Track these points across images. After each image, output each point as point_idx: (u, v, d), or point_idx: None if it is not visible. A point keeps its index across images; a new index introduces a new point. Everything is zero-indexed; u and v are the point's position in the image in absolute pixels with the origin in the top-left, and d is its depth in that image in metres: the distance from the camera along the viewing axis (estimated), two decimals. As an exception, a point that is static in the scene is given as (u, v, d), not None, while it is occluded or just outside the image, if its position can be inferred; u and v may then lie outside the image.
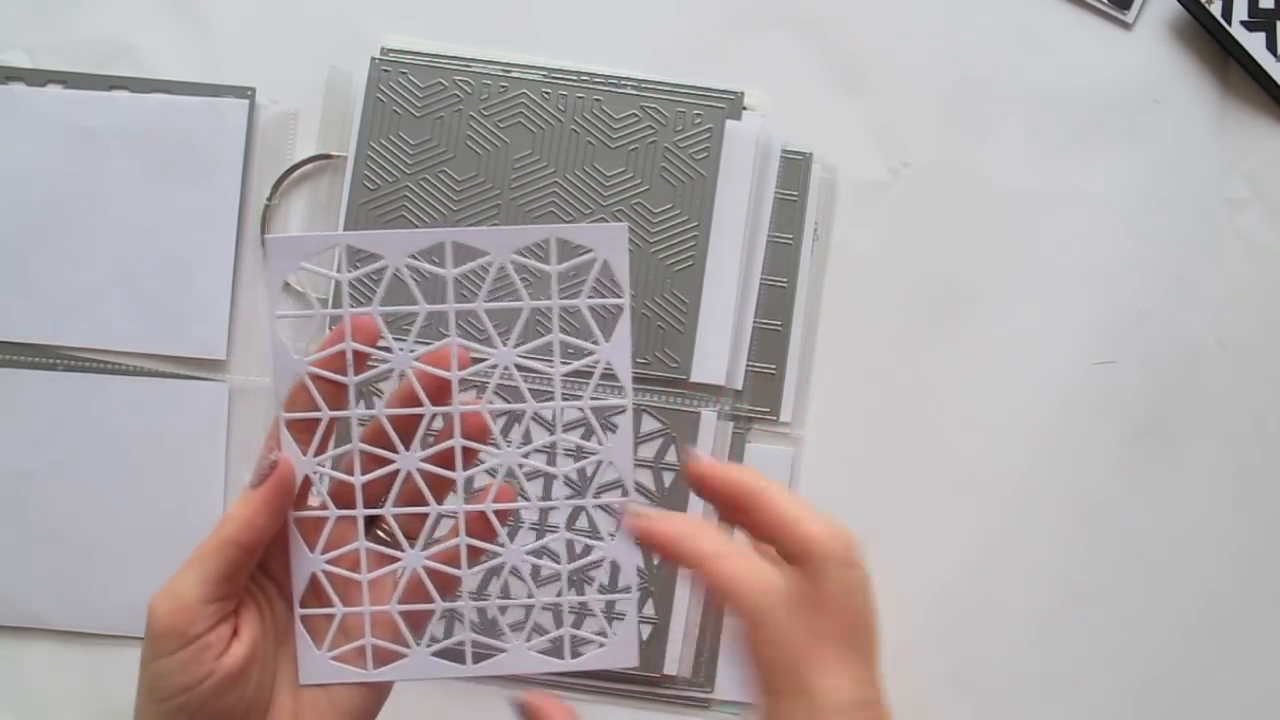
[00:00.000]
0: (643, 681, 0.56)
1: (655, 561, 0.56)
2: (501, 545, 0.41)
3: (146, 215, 0.58)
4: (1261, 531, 0.58)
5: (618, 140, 0.58)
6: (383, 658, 0.41)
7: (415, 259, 0.39)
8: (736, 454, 0.57)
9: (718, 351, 0.57)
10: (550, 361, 0.40)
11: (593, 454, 0.41)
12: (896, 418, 0.58)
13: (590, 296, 0.40)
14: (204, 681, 0.38)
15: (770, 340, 0.58)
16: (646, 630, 0.56)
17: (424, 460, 0.41)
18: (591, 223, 0.40)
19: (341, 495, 0.41)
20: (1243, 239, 0.59)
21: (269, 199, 0.58)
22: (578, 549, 0.42)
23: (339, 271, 0.41)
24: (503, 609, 0.42)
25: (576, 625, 0.42)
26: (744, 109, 0.58)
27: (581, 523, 0.54)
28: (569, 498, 0.42)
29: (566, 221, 0.57)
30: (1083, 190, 0.59)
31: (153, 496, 0.58)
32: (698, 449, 0.56)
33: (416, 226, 0.57)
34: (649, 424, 0.57)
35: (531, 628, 0.42)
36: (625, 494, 0.41)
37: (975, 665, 0.58)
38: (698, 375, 0.57)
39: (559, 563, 0.42)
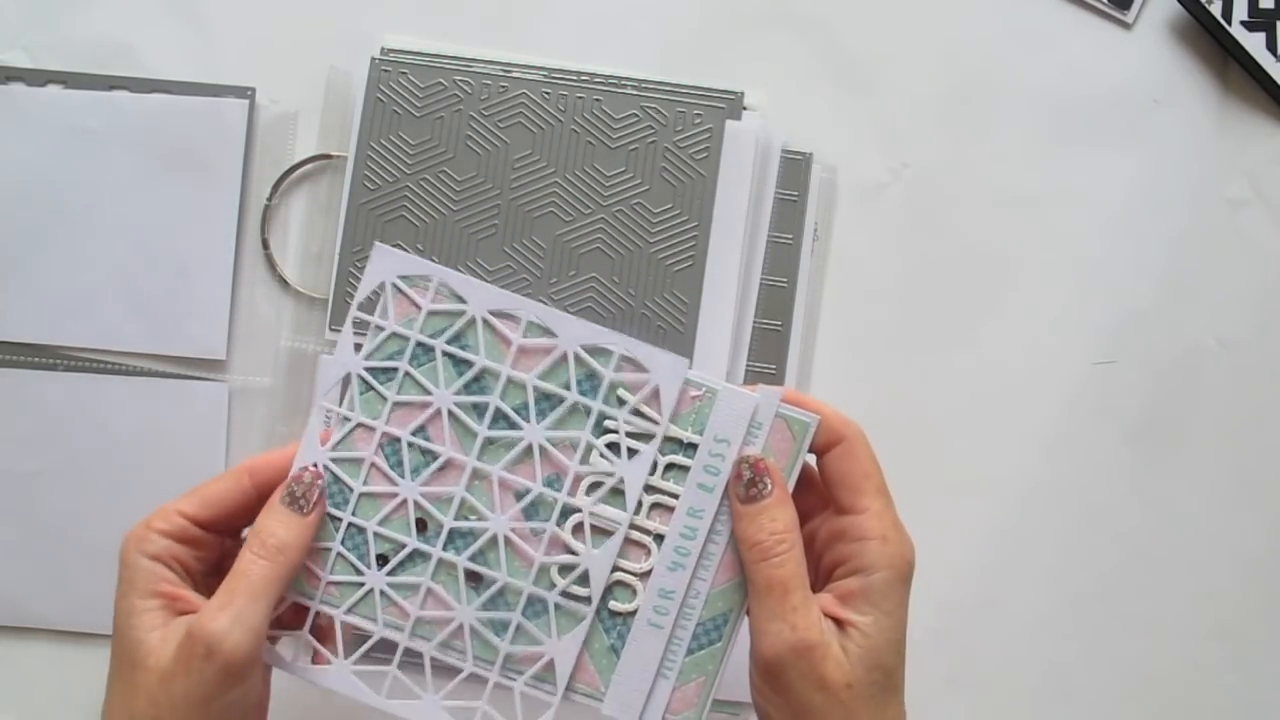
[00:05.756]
0: (643, 681, 0.56)
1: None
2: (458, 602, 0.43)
3: (146, 215, 0.58)
4: (1262, 531, 0.58)
5: (618, 140, 0.58)
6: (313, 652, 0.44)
7: (492, 316, 0.43)
8: (736, 454, 0.57)
9: (718, 351, 0.57)
10: (570, 456, 0.43)
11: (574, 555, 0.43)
12: (896, 418, 0.58)
13: (630, 415, 0.42)
14: (248, 695, 0.40)
15: (770, 340, 0.58)
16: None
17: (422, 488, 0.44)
18: (656, 348, 0.43)
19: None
20: (1243, 239, 0.59)
21: (269, 199, 0.58)
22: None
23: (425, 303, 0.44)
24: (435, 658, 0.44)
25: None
26: (744, 109, 0.58)
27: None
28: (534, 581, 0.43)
29: (566, 222, 0.57)
30: (1082, 190, 0.59)
31: (153, 497, 0.57)
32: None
33: (417, 227, 0.57)
34: (649, 424, 0.57)
35: (455, 685, 0.43)
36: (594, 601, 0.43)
37: (976, 665, 0.58)
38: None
39: (496, 642, 0.43)
